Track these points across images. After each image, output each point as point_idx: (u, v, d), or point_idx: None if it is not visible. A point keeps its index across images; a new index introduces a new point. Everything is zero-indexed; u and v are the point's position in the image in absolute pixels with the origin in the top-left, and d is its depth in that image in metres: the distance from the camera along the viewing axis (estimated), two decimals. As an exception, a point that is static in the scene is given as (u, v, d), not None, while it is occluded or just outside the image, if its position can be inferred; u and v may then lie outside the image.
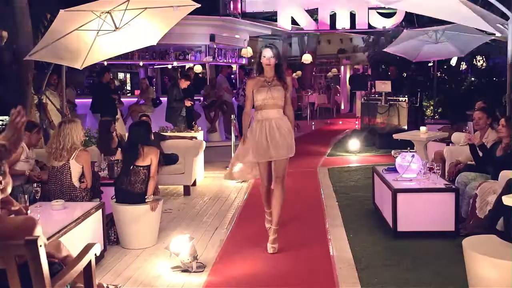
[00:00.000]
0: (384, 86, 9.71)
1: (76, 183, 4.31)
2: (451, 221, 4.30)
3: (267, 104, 4.03)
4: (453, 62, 11.45)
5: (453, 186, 4.44)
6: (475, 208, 4.29)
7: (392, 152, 5.15)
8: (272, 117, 4.05)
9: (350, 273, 3.62)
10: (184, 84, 9.12)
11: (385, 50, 9.38)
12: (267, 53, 4.03)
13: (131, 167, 4.30)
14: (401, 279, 3.50)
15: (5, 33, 5.66)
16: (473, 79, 11.22)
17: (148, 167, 4.32)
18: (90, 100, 9.93)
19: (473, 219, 4.34)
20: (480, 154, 4.73)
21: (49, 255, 2.40)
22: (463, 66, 11.91)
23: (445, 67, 11.44)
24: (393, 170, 4.88)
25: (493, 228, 3.84)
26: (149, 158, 4.33)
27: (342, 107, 19.22)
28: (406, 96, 9.69)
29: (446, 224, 4.31)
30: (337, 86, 18.63)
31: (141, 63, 12.92)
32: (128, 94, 14.16)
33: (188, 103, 9.07)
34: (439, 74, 11.05)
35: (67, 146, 4.26)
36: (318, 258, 3.96)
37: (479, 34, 8.08)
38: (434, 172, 4.61)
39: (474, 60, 11.52)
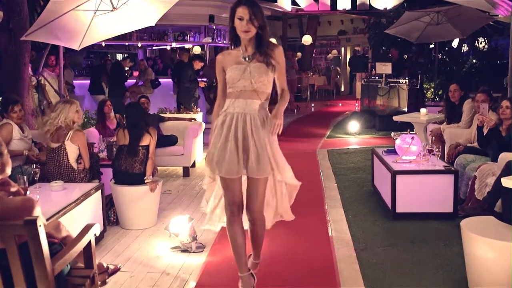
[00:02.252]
0: (384, 68, 9.65)
1: (73, 164, 4.31)
2: (449, 202, 4.31)
3: (244, 91, 2.75)
4: (455, 44, 11.38)
5: (452, 168, 4.44)
6: (474, 190, 4.30)
7: (391, 134, 5.15)
8: (249, 111, 2.75)
9: (348, 254, 3.64)
10: (198, 65, 9.04)
11: (386, 31, 9.31)
12: (244, 13, 2.63)
13: (128, 147, 4.29)
14: (399, 259, 3.52)
15: (0, 13, 5.59)
16: (474, 61, 11.15)
17: (147, 147, 4.32)
18: (88, 81, 9.90)
19: (471, 201, 4.35)
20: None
21: (48, 236, 2.41)
22: (465, 48, 11.84)
23: (446, 49, 11.37)
24: (393, 152, 4.88)
25: (491, 210, 3.85)
26: (148, 138, 4.33)
27: (342, 89, 19.14)
28: (406, 78, 9.64)
29: (445, 206, 4.32)
30: (337, 68, 18.51)
31: (139, 44, 12.81)
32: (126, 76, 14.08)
33: (202, 84, 9.01)
34: (440, 56, 10.98)
35: (57, 126, 4.25)
36: (317, 239, 3.98)
37: (481, 15, 7.99)
38: (433, 154, 4.61)
39: (476, 42, 11.44)
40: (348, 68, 18.31)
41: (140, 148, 4.30)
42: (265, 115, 2.78)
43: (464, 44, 11.62)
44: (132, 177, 4.27)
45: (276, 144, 2.79)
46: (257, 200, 2.77)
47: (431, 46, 11.06)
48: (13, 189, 2.39)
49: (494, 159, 4.32)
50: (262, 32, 2.71)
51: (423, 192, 4.34)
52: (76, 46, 5.56)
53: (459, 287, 3.08)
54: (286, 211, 3.01)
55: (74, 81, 10.20)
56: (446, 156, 5.28)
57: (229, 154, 2.72)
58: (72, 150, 4.28)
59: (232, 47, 2.83)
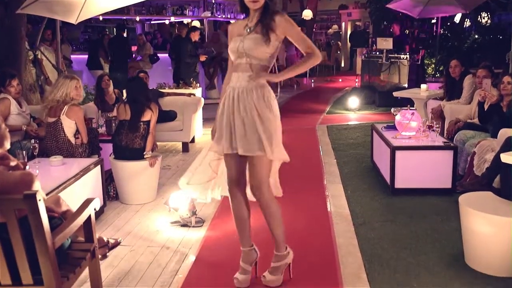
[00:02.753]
0: (385, 43, 9.55)
1: (71, 139, 4.30)
2: (448, 178, 4.32)
3: (239, 64, 2.66)
4: (457, 19, 11.22)
5: (452, 144, 4.44)
6: (473, 166, 4.31)
7: (391, 110, 5.12)
8: (240, 85, 2.64)
9: (347, 228, 3.67)
10: (195, 36, 8.91)
11: (387, 6, 9.16)
12: None
13: (129, 122, 4.28)
14: (397, 234, 3.55)
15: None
16: (476, 36, 11.02)
17: (147, 122, 4.31)
18: (86, 56, 9.81)
19: (470, 177, 4.37)
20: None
21: (48, 210, 2.42)
22: (467, 23, 11.68)
23: (448, 24, 11.22)
24: (392, 127, 4.87)
25: (490, 186, 3.87)
26: (149, 113, 4.31)
27: (342, 64, 18.99)
28: (407, 53, 9.54)
29: (443, 182, 4.34)
30: (338, 42, 18.33)
31: (137, 18, 12.63)
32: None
33: (203, 58, 8.88)
34: (442, 32, 10.84)
35: (57, 100, 4.24)
36: (316, 214, 4.01)
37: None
38: (433, 130, 4.60)
39: (479, 17, 11.27)
40: (349, 44, 18.13)
41: (141, 123, 4.29)
42: (255, 88, 2.62)
43: (466, 19, 11.45)
44: (132, 152, 4.27)
45: (271, 122, 2.64)
46: (253, 177, 2.69)
47: (433, 21, 10.91)
48: (12, 164, 2.38)
49: (494, 135, 4.32)
50: (270, 2, 2.62)
51: (422, 168, 4.35)
52: (73, 20, 5.48)
53: (456, 261, 3.11)
54: (276, 186, 2.91)
55: (72, 56, 10.10)
56: (445, 132, 5.27)
57: (224, 130, 2.70)
58: (68, 124, 4.27)
59: (243, 17, 2.77)
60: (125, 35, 9.82)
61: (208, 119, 8.12)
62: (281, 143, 2.73)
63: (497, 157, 3.69)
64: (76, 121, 4.30)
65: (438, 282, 2.85)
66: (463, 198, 3.13)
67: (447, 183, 4.33)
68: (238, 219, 2.84)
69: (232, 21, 12.54)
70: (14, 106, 4.50)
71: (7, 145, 2.53)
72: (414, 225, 3.72)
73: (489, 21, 11.31)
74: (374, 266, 3.07)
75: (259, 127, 2.60)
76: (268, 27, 2.61)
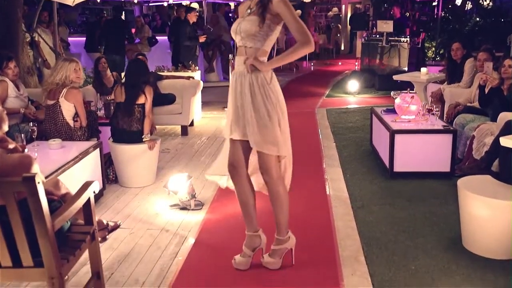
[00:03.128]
0: (385, 26, 9.47)
1: (70, 122, 4.28)
2: (447, 162, 4.33)
3: (240, 47, 2.63)
4: (458, 1, 11.11)
5: (451, 128, 4.43)
6: (472, 150, 4.31)
7: (391, 93, 5.10)
8: (238, 69, 2.63)
9: (345, 212, 3.69)
10: (193, 17, 8.79)
11: (388, -13, 9.07)
12: None
13: (125, 105, 4.25)
14: (396, 217, 3.57)
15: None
16: (478, 19, 10.92)
17: (142, 105, 4.28)
18: (84, 38, 9.72)
19: (469, 161, 4.37)
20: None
21: (48, 193, 2.42)
22: (469, 5, 11.57)
23: (449, 6, 11.11)
24: (392, 111, 4.86)
25: (488, 169, 3.87)
26: (143, 96, 4.28)
27: (342, 47, 18.87)
28: (408, 36, 9.47)
29: (442, 165, 4.34)
30: (338, 25, 18.18)
31: (135, 0, 12.51)
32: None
33: (202, 39, 8.76)
34: (443, 14, 10.74)
35: (56, 83, 4.22)
36: (315, 197, 4.02)
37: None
38: (433, 114, 4.59)
39: (480, -1, 11.17)
40: (349, 27, 17.99)
41: (136, 106, 4.26)
42: (256, 77, 2.56)
43: (468, 2, 11.34)
44: (130, 135, 4.26)
45: (278, 118, 2.59)
46: (261, 161, 2.66)
47: (434, 3, 10.81)
48: (10, 146, 2.37)
49: (494, 119, 4.31)
50: None
51: (421, 152, 4.35)
52: (70, 1, 5.42)
53: (453, 244, 3.13)
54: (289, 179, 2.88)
55: (69, 39, 10.01)
56: (445, 115, 5.26)
57: (229, 114, 2.68)
58: (66, 107, 4.25)
59: None
60: (123, 17, 9.67)
61: (207, 102, 8.10)
62: (276, 135, 2.60)
63: (496, 141, 3.69)
64: (75, 104, 4.28)
65: (436, 265, 2.87)
66: (462, 182, 3.14)
67: (446, 167, 4.34)
68: (241, 204, 2.83)
69: (231, 3, 12.43)
70: (12, 88, 4.47)
71: (5, 128, 2.52)
72: (412, 209, 3.73)
73: (490, 4, 11.20)
74: (372, 249, 3.09)
75: (252, 116, 2.57)
76: (264, 8, 2.52)
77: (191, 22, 8.71)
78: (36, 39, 7.13)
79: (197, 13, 8.85)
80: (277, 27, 2.60)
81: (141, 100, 4.28)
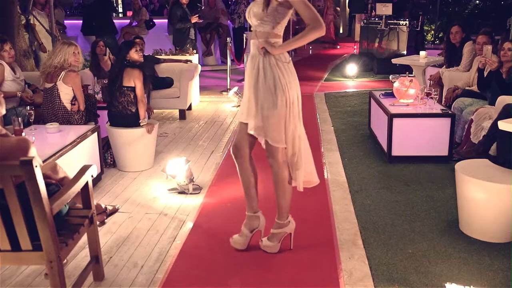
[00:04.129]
0: (385, 8, 9.38)
1: (67, 105, 4.26)
2: (445, 146, 4.34)
3: (253, 32, 2.66)
4: (458, -17, 11.00)
5: (450, 112, 4.43)
6: (470, 134, 4.31)
7: (390, 77, 5.07)
8: (252, 52, 2.67)
9: (343, 195, 3.70)
10: None
11: (388, -31, 8.96)
12: None
13: (115, 87, 4.20)
14: (393, 201, 3.59)
15: None
16: (477, 1, 10.83)
17: (132, 89, 4.17)
18: (81, 21, 9.60)
19: (466, 145, 4.37)
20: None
21: (46, 177, 2.42)
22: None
23: (449, -12, 11.01)
24: (391, 95, 4.84)
25: (486, 153, 3.88)
26: (132, 80, 4.15)
27: (341, 31, 18.72)
28: (407, 19, 9.40)
29: (440, 149, 4.35)
30: (337, 8, 17.99)
31: (132, -18, 12.33)
32: (120, 16, 13.64)
33: (194, 19, 8.62)
34: (442, -3, 10.65)
35: (55, 66, 4.18)
36: (313, 181, 4.02)
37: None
38: (431, 98, 4.58)
39: (481, -20, 11.06)
40: (348, 9, 17.80)
41: (125, 89, 4.17)
42: (268, 59, 2.56)
43: (468, -16, 11.24)
44: (126, 119, 4.22)
45: (271, 98, 2.57)
46: (268, 147, 2.69)
47: (434, -14, 10.70)
48: (1, 133, 2.35)
49: (492, 103, 4.30)
50: None
51: (419, 136, 4.35)
52: (66, -17, 5.33)
53: (450, 227, 3.15)
54: (311, 174, 2.85)
55: (66, 21, 9.89)
56: (443, 99, 5.25)
57: (244, 97, 2.73)
58: (64, 90, 4.22)
59: None
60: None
61: (205, 86, 8.07)
62: (275, 122, 2.60)
63: (494, 125, 3.69)
64: (73, 87, 4.24)
65: (433, 248, 2.89)
66: (459, 166, 3.14)
67: (444, 151, 4.35)
68: (244, 184, 2.84)
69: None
70: (8, 72, 4.43)
71: (3, 111, 2.50)
72: (410, 193, 3.75)
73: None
74: (369, 232, 3.11)
75: (256, 99, 2.62)
76: None
77: (183, 3, 8.56)
78: (32, 22, 7.04)
79: None
80: (288, 11, 2.57)
81: (128, 82, 4.17)
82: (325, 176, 4.11)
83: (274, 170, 2.74)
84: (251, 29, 2.66)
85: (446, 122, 4.30)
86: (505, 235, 2.94)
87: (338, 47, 14.57)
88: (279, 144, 2.65)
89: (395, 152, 4.38)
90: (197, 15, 8.67)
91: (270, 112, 2.59)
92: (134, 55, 4.20)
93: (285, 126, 2.64)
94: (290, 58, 2.68)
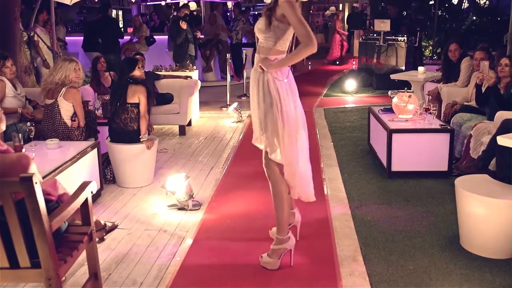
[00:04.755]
0: (383, 25, 9.48)
1: (67, 121, 4.27)
2: (444, 161, 4.34)
3: (257, 46, 2.77)
4: (455, 0, 11.14)
5: (449, 127, 4.44)
6: (469, 149, 4.32)
7: (388, 92, 5.10)
8: (254, 68, 2.77)
9: (343, 211, 3.69)
10: (182, 12, 8.74)
11: (385, -14, 9.08)
12: None
13: (118, 104, 4.23)
14: (393, 217, 3.58)
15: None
16: (474, 18, 10.96)
17: (136, 105, 4.22)
18: (82, 38, 9.67)
19: (466, 160, 4.38)
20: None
21: (45, 193, 2.41)
22: (465, 4, 11.60)
23: (446, 5, 11.14)
24: (390, 110, 4.86)
25: (486, 169, 3.88)
26: (136, 96, 4.21)
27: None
28: (405, 35, 9.49)
29: (440, 164, 4.35)
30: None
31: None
32: (123, 38, 13.77)
33: (183, 25, 8.70)
34: (439, 13, 10.76)
35: (56, 82, 4.21)
36: (313, 196, 4.02)
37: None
38: (430, 113, 4.60)
39: (477, -2, 11.20)
40: (346, 26, 17.98)
41: (129, 105, 4.22)
42: (264, 75, 2.65)
43: (464, 1, 11.37)
44: (127, 135, 4.24)
45: (266, 111, 2.65)
46: (264, 159, 2.81)
47: (431, 2, 10.83)
48: (1, 148, 2.35)
49: (491, 118, 4.32)
50: None
51: (419, 151, 4.35)
52: (68, 0, 5.40)
53: (451, 243, 3.14)
54: (305, 192, 2.89)
55: (67, 38, 9.97)
56: (442, 114, 5.26)
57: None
58: (65, 107, 4.24)
59: None
60: (113, 15, 9.59)
61: (205, 102, 8.10)
62: (269, 136, 2.67)
63: (493, 140, 3.69)
64: (73, 103, 4.27)
65: (434, 264, 2.88)
66: (459, 181, 3.14)
67: (443, 166, 4.35)
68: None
69: (228, 2, 12.42)
70: (10, 88, 4.46)
71: (3, 127, 2.50)
72: (410, 208, 3.74)
73: (487, 3, 11.24)
74: (370, 248, 3.09)
75: (254, 110, 2.75)
76: (271, 10, 2.60)
77: (183, 28, 8.67)
78: (35, 38, 7.11)
79: (187, 11, 8.76)
80: (289, 27, 2.61)
81: (132, 99, 4.22)
82: (325, 192, 4.10)
83: (271, 181, 2.79)
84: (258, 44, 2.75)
85: (445, 138, 4.31)
86: (506, 251, 2.93)
87: (337, 63, 14.66)
88: (275, 158, 2.71)
89: (395, 167, 4.38)
90: (198, 32, 8.79)
91: (268, 126, 2.68)
92: (136, 72, 4.26)
93: (280, 142, 2.67)
94: (288, 75, 2.70)
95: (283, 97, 2.66)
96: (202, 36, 10.35)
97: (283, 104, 2.66)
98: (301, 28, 2.52)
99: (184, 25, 8.65)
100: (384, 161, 4.52)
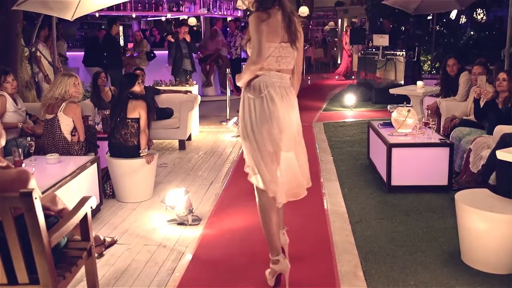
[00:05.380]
0: (381, 40, 9.55)
1: (67, 136, 4.28)
2: (444, 175, 4.33)
3: None
4: (453, 15, 11.24)
5: (448, 141, 4.45)
6: (469, 163, 4.32)
7: (388, 107, 5.12)
8: None
9: (343, 226, 3.68)
10: (183, 31, 8.79)
11: (383, 2, 9.17)
12: None
13: (118, 119, 4.25)
14: (394, 232, 3.56)
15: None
16: (472, 33, 11.05)
17: (136, 120, 4.24)
18: (82, 53, 9.75)
19: (466, 174, 4.38)
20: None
21: (45, 208, 2.41)
22: (463, 19, 11.71)
23: (444, 20, 11.24)
24: (389, 124, 4.87)
25: (486, 183, 3.88)
26: (137, 111, 4.23)
27: (339, 61, 18.99)
28: (403, 50, 9.56)
29: (440, 179, 4.35)
30: (335, 39, 18.32)
31: (133, 15, 12.60)
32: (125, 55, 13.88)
33: (169, 38, 8.78)
34: (438, 28, 10.86)
35: (56, 98, 4.23)
36: (313, 211, 4.00)
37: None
38: (429, 127, 4.61)
39: (474, 13, 11.30)
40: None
41: (129, 120, 4.24)
42: (244, 93, 2.76)
43: (462, 16, 11.48)
44: (127, 150, 4.24)
45: (242, 127, 2.70)
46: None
47: (429, 17, 10.93)
48: (2, 165, 2.35)
49: (490, 132, 4.33)
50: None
51: (419, 165, 4.35)
52: (69, 16, 5.45)
53: (452, 259, 3.12)
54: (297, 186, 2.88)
55: (68, 53, 10.04)
56: (442, 129, 5.28)
57: None
58: (65, 121, 4.25)
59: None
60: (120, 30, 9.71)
61: (204, 117, 8.12)
62: (250, 158, 2.67)
63: (493, 154, 3.70)
64: (73, 118, 4.28)
65: (435, 280, 2.86)
66: (459, 195, 3.14)
67: (443, 180, 4.34)
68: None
69: (228, 18, 12.52)
70: (10, 103, 4.48)
71: (3, 142, 2.51)
72: (410, 223, 3.72)
73: (484, 18, 11.34)
74: (370, 263, 3.07)
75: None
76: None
77: (180, 37, 8.73)
78: (38, 54, 7.16)
79: (186, 29, 8.84)
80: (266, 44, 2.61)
81: (133, 114, 4.23)
82: (325, 207, 4.09)
83: (258, 206, 2.75)
84: None
85: (444, 152, 4.32)
86: (507, 266, 2.91)
87: (336, 77, 14.75)
88: (256, 183, 2.68)
89: (395, 181, 4.37)
90: (169, 35, 8.92)
91: (243, 139, 2.72)
92: (137, 87, 4.29)
93: (249, 157, 2.68)
94: (262, 94, 2.64)
95: (248, 113, 2.67)
96: (199, 53, 10.43)
97: (245, 121, 2.67)
98: (253, 43, 2.58)
99: (171, 39, 8.78)
100: (384, 175, 4.52)
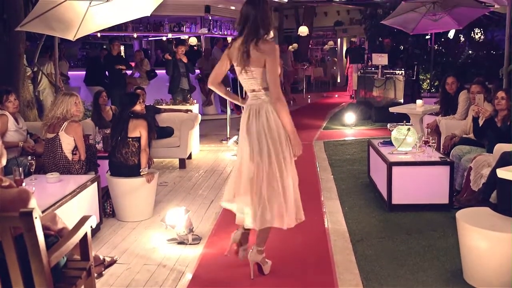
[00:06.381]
0: (380, 59, 9.64)
1: (68, 155, 4.29)
2: (445, 194, 4.33)
3: None
4: (451, 34, 11.36)
5: (448, 159, 4.45)
6: (469, 181, 4.31)
7: (388, 125, 5.14)
8: None
9: (344, 245, 3.66)
10: (180, 50, 8.89)
11: (382, 22, 9.28)
12: None
13: (119, 138, 4.26)
14: (395, 251, 3.54)
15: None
16: (470, 52, 11.15)
17: (137, 139, 4.26)
18: (84, 72, 9.84)
19: (466, 192, 4.37)
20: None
21: (44, 228, 2.40)
22: (461, 39, 11.83)
23: (442, 40, 11.36)
24: (389, 143, 4.89)
25: (487, 201, 3.87)
26: (138, 130, 4.26)
27: (338, 80, 19.13)
28: (402, 69, 9.63)
29: (441, 197, 4.34)
30: (334, 59, 18.48)
31: (135, 35, 12.74)
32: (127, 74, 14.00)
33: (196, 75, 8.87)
34: (436, 47, 10.96)
35: (57, 117, 4.26)
36: (313, 230, 3.99)
37: (477, 6, 7.99)
38: (429, 145, 4.62)
39: (472, 33, 11.43)
40: (345, 60, 18.29)
41: (130, 140, 4.26)
42: None
43: (460, 35, 11.60)
44: (127, 169, 4.25)
45: None
46: None
47: (427, 37, 11.04)
48: (4, 184, 2.36)
49: (490, 150, 4.33)
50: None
51: (419, 184, 4.35)
52: (71, 36, 5.51)
53: (454, 278, 3.10)
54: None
55: (69, 73, 10.13)
56: (442, 147, 5.29)
57: None
58: (66, 141, 4.27)
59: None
60: (121, 53, 9.82)
61: (205, 135, 8.14)
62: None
63: (493, 172, 3.70)
64: (74, 137, 4.30)
65: (437, 299, 2.83)
66: (460, 214, 3.13)
67: (444, 199, 4.33)
68: None
69: (228, 38, 12.64)
70: (12, 122, 4.50)
71: (3, 162, 2.52)
72: (412, 242, 3.70)
73: (482, 37, 11.46)
74: (372, 283, 3.05)
75: None
76: None
77: (177, 55, 8.81)
78: (49, 71, 7.25)
79: (183, 49, 8.94)
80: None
81: (134, 133, 4.26)
82: (326, 225, 4.07)
83: None
84: None
85: (445, 170, 4.32)
86: (508, 284, 2.88)
87: (336, 96, 14.83)
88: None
89: (395, 200, 4.36)
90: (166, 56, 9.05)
91: None
92: (137, 107, 4.33)
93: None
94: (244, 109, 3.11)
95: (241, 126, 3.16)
96: (198, 71, 10.50)
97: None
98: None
99: (168, 57, 8.87)
100: (384, 194, 4.51)
